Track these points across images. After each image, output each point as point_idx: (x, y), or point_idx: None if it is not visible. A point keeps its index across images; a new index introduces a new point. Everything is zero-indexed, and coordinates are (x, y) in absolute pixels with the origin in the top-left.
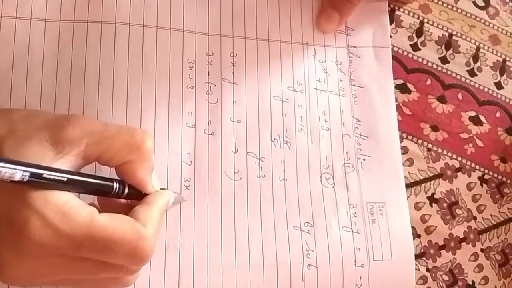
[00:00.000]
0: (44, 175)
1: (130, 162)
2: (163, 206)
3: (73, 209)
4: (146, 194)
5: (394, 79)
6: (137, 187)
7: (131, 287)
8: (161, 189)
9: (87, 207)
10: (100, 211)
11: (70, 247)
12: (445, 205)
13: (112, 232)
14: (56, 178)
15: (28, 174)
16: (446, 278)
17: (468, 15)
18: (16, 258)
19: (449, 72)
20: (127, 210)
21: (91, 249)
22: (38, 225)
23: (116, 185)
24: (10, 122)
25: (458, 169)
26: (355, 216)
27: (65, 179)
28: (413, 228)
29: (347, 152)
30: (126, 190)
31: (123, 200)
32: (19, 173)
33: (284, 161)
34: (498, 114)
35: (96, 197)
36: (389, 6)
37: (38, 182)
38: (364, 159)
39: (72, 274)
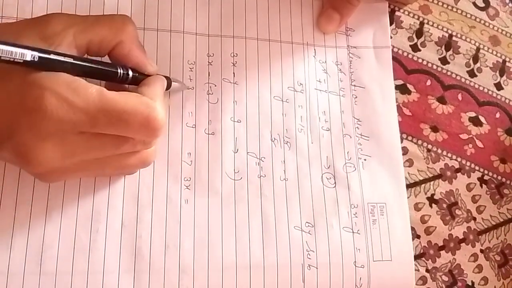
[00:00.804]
0: (53, 57)
1: (119, 44)
2: (162, 87)
3: (82, 85)
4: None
5: (394, 79)
6: (137, 68)
7: None
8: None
9: (95, 85)
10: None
11: (87, 121)
12: (444, 205)
13: (124, 104)
14: (63, 59)
15: (37, 54)
16: (445, 278)
17: (468, 16)
18: (39, 141)
19: (449, 73)
20: None
21: (107, 122)
22: (53, 101)
23: (120, 70)
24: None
25: (458, 170)
26: (356, 217)
27: (72, 60)
28: (412, 228)
29: (348, 152)
30: (131, 74)
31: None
32: (29, 54)
33: (284, 161)
34: (498, 115)
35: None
36: (389, 7)
37: (47, 63)
38: (365, 159)
39: (95, 152)
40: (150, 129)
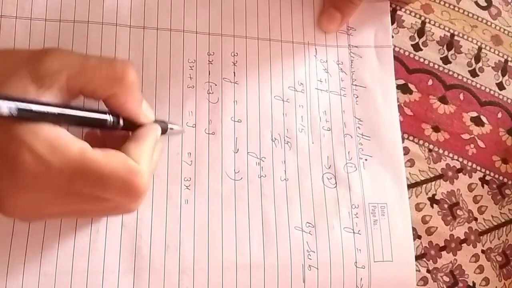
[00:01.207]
0: (33, 108)
1: (115, 95)
2: (152, 141)
3: (63, 142)
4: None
5: (396, 79)
6: (129, 118)
7: None
8: (159, 122)
9: (78, 141)
10: (95, 146)
11: (63, 181)
12: (446, 206)
13: (104, 166)
14: (46, 111)
15: (15, 107)
16: (446, 279)
17: (470, 15)
18: (14, 191)
19: (450, 73)
20: (118, 146)
21: (84, 184)
22: (29, 159)
23: (110, 117)
24: None
25: (459, 170)
26: (357, 217)
27: (56, 112)
28: (413, 229)
29: (349, 152)
30: (121, 122)
31: (119, 134)
32: (6, 108)
33: (285, 161)
34: (499, 115)
35: (83, 134)
36: (390, 6)
37: (27, 116)
38: (366, 159)
39: (72, 206)
40: (131, 194)
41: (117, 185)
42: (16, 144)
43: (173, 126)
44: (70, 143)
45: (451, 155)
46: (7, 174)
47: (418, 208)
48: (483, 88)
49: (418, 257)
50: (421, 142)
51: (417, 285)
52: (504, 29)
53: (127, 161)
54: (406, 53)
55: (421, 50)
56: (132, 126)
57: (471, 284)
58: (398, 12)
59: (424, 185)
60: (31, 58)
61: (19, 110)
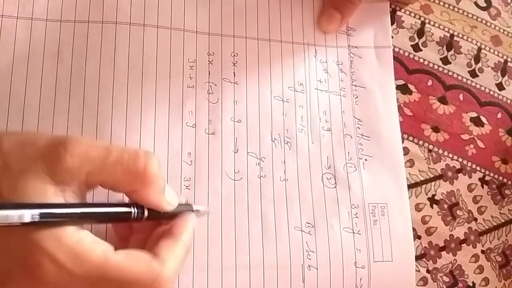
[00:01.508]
0: (55, 212)
1: (136, 191)
2: (190, 238)
3: (86, 248)
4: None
5: (395, 79)
6: (152, 209)
7: None
8: (184, 205)
9: (101, 244)
10: (115, 246)
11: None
12: (445, 206)
13: (127, 272)
14: (68, 213)
15: (38, 214)
16: (446, 279)
17: (470, 15)
18: None
19: (450, 73)
20: (146, 233)
21: None
22: (52, 269)
23: (134, 209)
24: (1, 154)
25: (459, 170)
26: (357, 217)
27: (79, 213)
28: (413, 229)
29: (348, 152)
30: (146, 213)
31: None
32: (29, 215)
33: (284, 161)
34: (499, 115)
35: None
36: (390, 6)
37: (48, 221)
38: (366, 159)
39: None
40: None
41: None
42: (37, 253)
43: (199, 207)
44: (92, 248)
45: (450, 155)
46: (27, 283)
47: (418, 208)
48: (482, 88)
49: (417, 257)
50: (420, 142)
51: (417, 285)
52: (504, 30)
53: (151, 265)
54: (406, 54)
55: (421, 50)
56: (157, 215)
57: (470, 284)
58: (398, 13)
59: (423, 185)
60: (48, 152)
61: (41, 216)
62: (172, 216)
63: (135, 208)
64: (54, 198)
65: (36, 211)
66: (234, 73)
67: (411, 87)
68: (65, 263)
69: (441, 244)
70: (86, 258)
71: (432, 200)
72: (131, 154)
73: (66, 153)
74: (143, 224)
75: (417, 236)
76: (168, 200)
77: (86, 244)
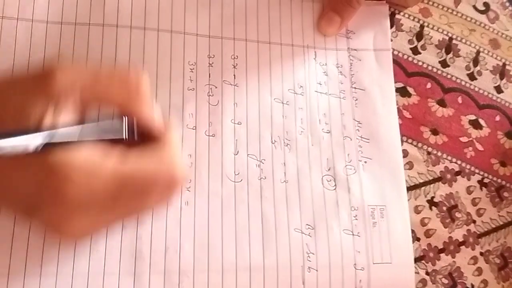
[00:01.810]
0: (56, 139)
1: (130, 103)
2: (176, 138)
3: (96, 164)
4: None
5: (394, 82)
6: (145, 125)
7: None
8: None
9: (110, 156)
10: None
11: (109, 201)
12: (444, 208)
13: (145, 173)
14: (68, 136)
15: (40, 142)
16: (445, 281)
17: (468, 19)
18: (66, 218)
19: (449, 76)
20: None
21: (130, 195)
22: (71, 189)
23: (125, 134)
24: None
25: (458, 173)
26: (356, 219)
27: (77, 131)
28: (412, 231)
29: (348, 155)
30: (136, 136)
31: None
32: (32, 145)
33: (284, 163)
34: (497, 118)
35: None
36: (389, 9)
37: (53, 145)
38: (365, 162)
39: (121, 216)
40: (174, 185)
41: (161, 184)
42: (54, 178)
43: None
44: (103, 160)
45: (449, 157)
46: (55, 206)
47: (417, 210)
48: (481, 91)
49: (417, 259)
50: (419, 145)
51: (416, 287)
52: (502, 33)
53: (163, 158)
54: (405, 57)
55: (420, 53)
56: (144, 138)
57: (469, 286)
58: (397, 16)
59: (423, 188)
60: (40, 79)
61: (45, 144)
62: None
63: (127, 133)
64: (55, 119)
65: (39, 141)
66: (234, 75)
67: (410, 89)
68: (82, 181)
69: (440, 246)
70: (99, 173)
71: (431, 203)
72: (122, 69)
73: (57, 72)
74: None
75: (416, 238)
76: (156, 117)
77: (96, 160)
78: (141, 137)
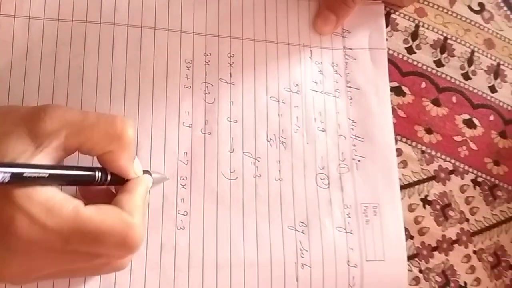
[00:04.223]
0: (25, 174)
1: (111, 152)
2: (144, 192)
3: (57, 204)
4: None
5: (389, 81)
6: (119, 174)
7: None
8: (144, 171)
9: (71, 200)
10: (85, 203)
11: (59, 242)
12: (438, 207)
13: (100, 224)
14: (37, 175)
15: (9, 174)
16: (438, 279)
17: (463, 19)
18: (7, 256)
19: (443, 75)
20: (110, 197)
21: (80, 242)
22: (25, 223)
23: (98, 174)
24: None
25: (452, 172)
26: (349, 217)
27: (46, 175)
28: (406, 229)
29: (342, 153)
30: (109, 178)
31: (105, 187)
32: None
33: (279, 161)
34: (491, 117)
35: (77, 188)
36: (385, 9)
37: (20, 181)
38: (359, 160)
39: (65, 265)
40: (127, 248)
41: (113, 240)
42: (10, 209)
43: (156, 174)
44: (63, 203)
45: (443, 156)
46: (1, 240)
47: (410, 208)
48: (475, 91)
49: (410, 257)
50: (414, 143)
51: (410, 284)
52: (497, 33)
53: (121, 215)
54: (400, 56)
55: (415, 53)
56: (119, 181)
57: (462, 284)
58: (392, 16)
59: (416, 186)
60: (30, 116)
61: (12, 176)
62: None
63: (99, 172)
64: (31, 159)
65: (7, 172)
66: (230, 73)
67: (404, 89)
68: (38, 217)
69: (434, 244)
70: (58, 212)
71: (425, 201)
72: (108, 117)
73: (45, 116)
74: (104, 191)
75: (409, 236)
76: (135, 170)
77: (57, 199)
78: (116, 178)
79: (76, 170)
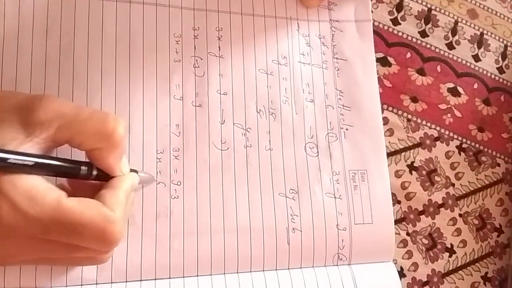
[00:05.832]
0: (10, 160)
1: (100, 149)
2: (128, 189)
3: (40, 193)
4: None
5: (375, 52)
6: (106, 171)
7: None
8: (131, 170)
9: (55, 190)
10: (69, 194)
11: (39, 230)
12: (424, 172)
13: (80, 216)
14: (23, 162)
15: None
16: (425, 241)
17: None
18: None
19: (428, 46)
20: (96, 192)
21: (59, 232)
22: (6, 209)
23: (83, 168)
24: None
25: (437, 138)
26: (338, 183)
27: (32, 163)
28: (393, 194)
29: (330, 123)
30: (95, 173)
31: (92, 182)
32: None
33: (269, 132)
34: (475, 86)
35: (66, 180)
36: None
37: (5, 167)
38: (347, 129)
39: (44, 254)
40: (106, 242)
41: (92, 233)
42: None
43: (143, 174)
44: (47, 193)
45: (429, 124)
46: None
47: (397, 175)
48: (459, 60)
49: (398, 221)
50: (400, 112)
51: (397, 247)
52: (480, 3)
53: (102, 209)
54: (385, 27)
55: (400, 24)
56: (105, 177)
57: (449, 246)
58: None
59: (403, 153)
60: (25, 104)
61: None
62: None
63: (85, 167)
64: (20, 147)
65: None
66: (219, 47)
67: (390, 59)
68: (20, 204)
69: (420, 208)
70: (40, 200)
71: (411, 167)
72: (102, 115)
73: (40, 106)
74: (87, 186)
75: (397, 201)
76: (122, 168)
77: (40, 189)
78: (102, 174)
79: (62, 161)
